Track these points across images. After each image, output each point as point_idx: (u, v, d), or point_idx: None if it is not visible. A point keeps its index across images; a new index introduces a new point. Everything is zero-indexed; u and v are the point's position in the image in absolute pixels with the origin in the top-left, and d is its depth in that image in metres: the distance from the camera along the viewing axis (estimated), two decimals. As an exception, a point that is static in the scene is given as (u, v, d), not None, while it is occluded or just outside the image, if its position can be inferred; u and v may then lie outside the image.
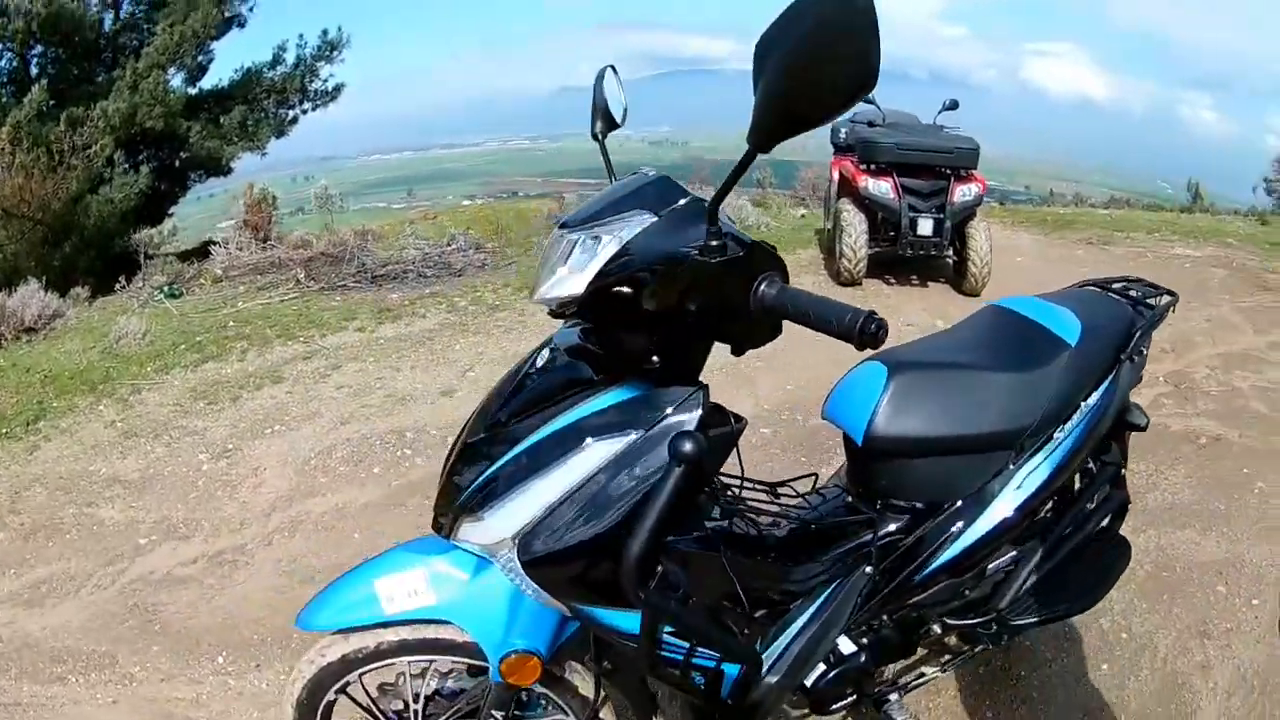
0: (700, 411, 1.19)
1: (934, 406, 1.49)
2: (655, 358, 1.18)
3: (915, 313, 4.76)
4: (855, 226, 4.94)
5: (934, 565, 1.54)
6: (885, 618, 1.59)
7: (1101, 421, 1.70)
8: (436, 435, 3.09)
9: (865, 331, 0.98)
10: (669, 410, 1.18)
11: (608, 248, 1.10)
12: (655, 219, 1.12)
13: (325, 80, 10.06)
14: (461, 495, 1.23)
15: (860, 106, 4.81)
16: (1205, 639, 2.29)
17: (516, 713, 1.42)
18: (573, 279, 1.10)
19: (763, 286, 1.07)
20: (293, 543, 2.50)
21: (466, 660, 1.38)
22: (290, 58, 9.76)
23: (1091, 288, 2.04)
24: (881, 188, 4.95)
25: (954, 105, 5.46)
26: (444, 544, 1.31)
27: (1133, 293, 1.97)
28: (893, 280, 5.23)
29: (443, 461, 1.32)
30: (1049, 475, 1.63)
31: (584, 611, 1.26)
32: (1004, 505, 1.58)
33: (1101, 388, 1.68)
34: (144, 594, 2.32)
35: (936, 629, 1.70)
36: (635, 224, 1.11)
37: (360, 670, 1.37)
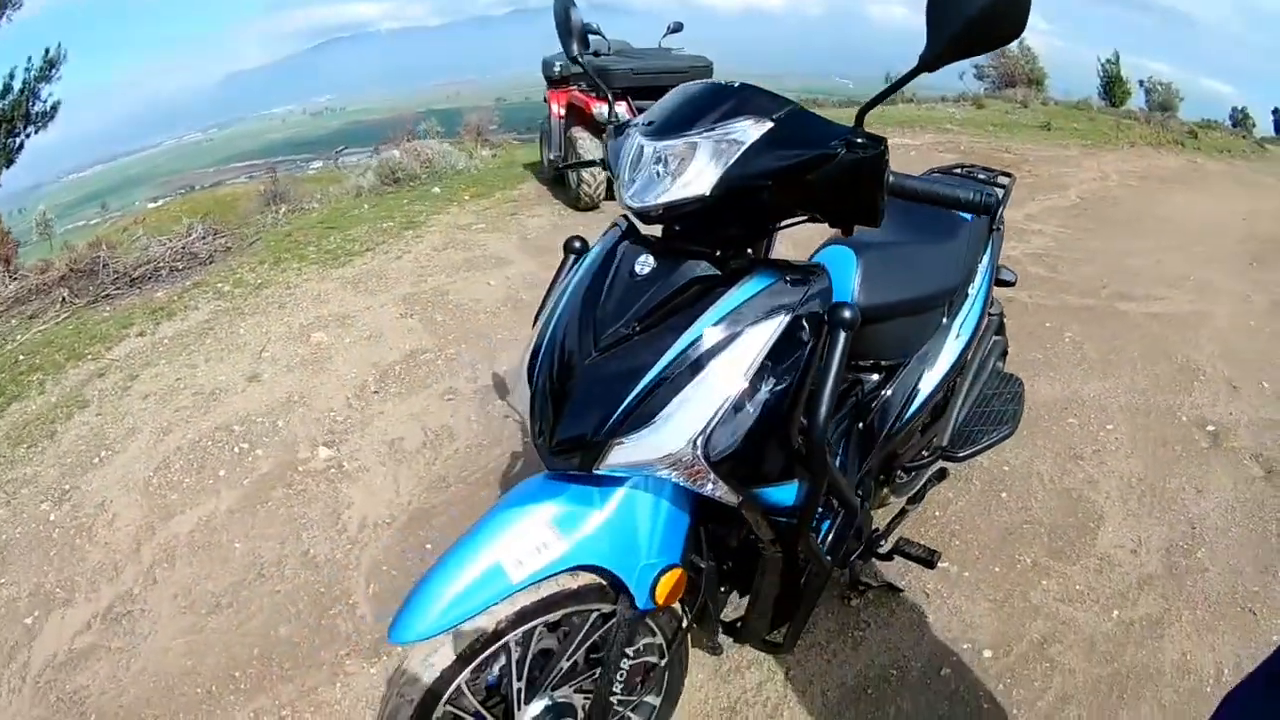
0: (830, 284, 1.32)
1: (893, 278, 1.76)
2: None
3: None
4: (593, 152, 5.14)
5: (908, 414, 1.85)
6: (869, 470, 1.83)
7: (992, 280, 2.15)
8: (264, 423, 3.13)
9: (985, 202, 1.24)
10: (809, 288, 1.28)
11: (730, 150, 1.18)
12: (771, 123, 1.21)
13: (45, 100, 9.69)
14: (609, 419, 1.19)
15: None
16: (1079, 460, 2.95)
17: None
18: (699, 181, 1.18)
19: (891, 177, 1.24)
20: (177, 573, 2.50)
21: (587, 607, 1.34)
22: (17, 84, 9.12)
23: (948, 174, 2.47)
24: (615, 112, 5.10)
25: (678, 27, 5.63)
26: (553, 486, 1.29)
27: (980, 176, 2.44)
28: None
29: (532, 403, 1.29)
30: (974, 325, 2.08)
31: (756, 495, 1.32)
32: (948, 354, 1.99)
33: (987, 253, 2.13)
34: (60, 683, 2.21)
35: (901, 475, 2.13)
36: (752, 128, 1.19)
37: (475, 663, 1.27)
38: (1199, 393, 3.59)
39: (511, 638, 1.27)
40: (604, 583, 1.32)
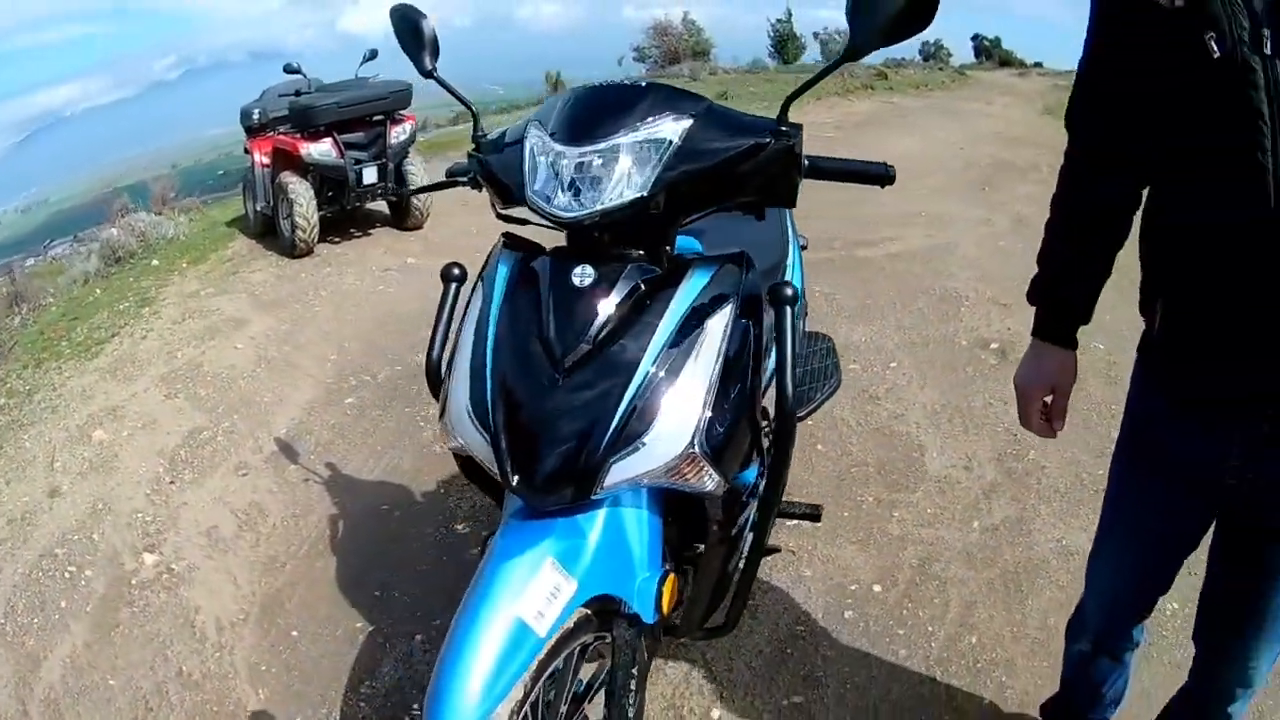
0: (756, 265, 1.34)
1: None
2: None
3: (378, 257, 5.25)
4: (304, 195, 5.02)
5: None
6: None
7: (799, 249, 2.30)
8: (80, 539, 2.77)
9: (889, 174, 1.35)
10: (742, 274, 1.29)
11: (658, 150, 1.19)
12: (691, 120, 1.21)
13: None
14: (601, 440, 1.13)
15: (274, 83, 5.56)
16: (877, 401, 3.16)
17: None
18: (633, 183, 1.18)
19: (806, 161, 1.29)
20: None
21: (581, 641, 1.25)
22: None
23: None
24: (323, 149, 5.07)
25: (373, 55, 5.61)
26: (539, 525, 1.19)
27: None
28: (338, 239, 5.48)
29: (496, 446, 1.17)
30: (802, 287, 2.22)
31: (737, 479, 1.30)
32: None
33: (790, 226, 2.28)
34: None
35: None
36: (676, 126, 1.20)
37: None
38: (970, 317, 4.00)
39: (538, 694, 1.17)
40: (589, 612, 1.23)
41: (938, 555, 2.46)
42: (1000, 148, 8.04)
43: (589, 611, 1.22)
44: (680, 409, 1.16)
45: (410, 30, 1.45)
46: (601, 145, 1.18)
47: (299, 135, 5.13)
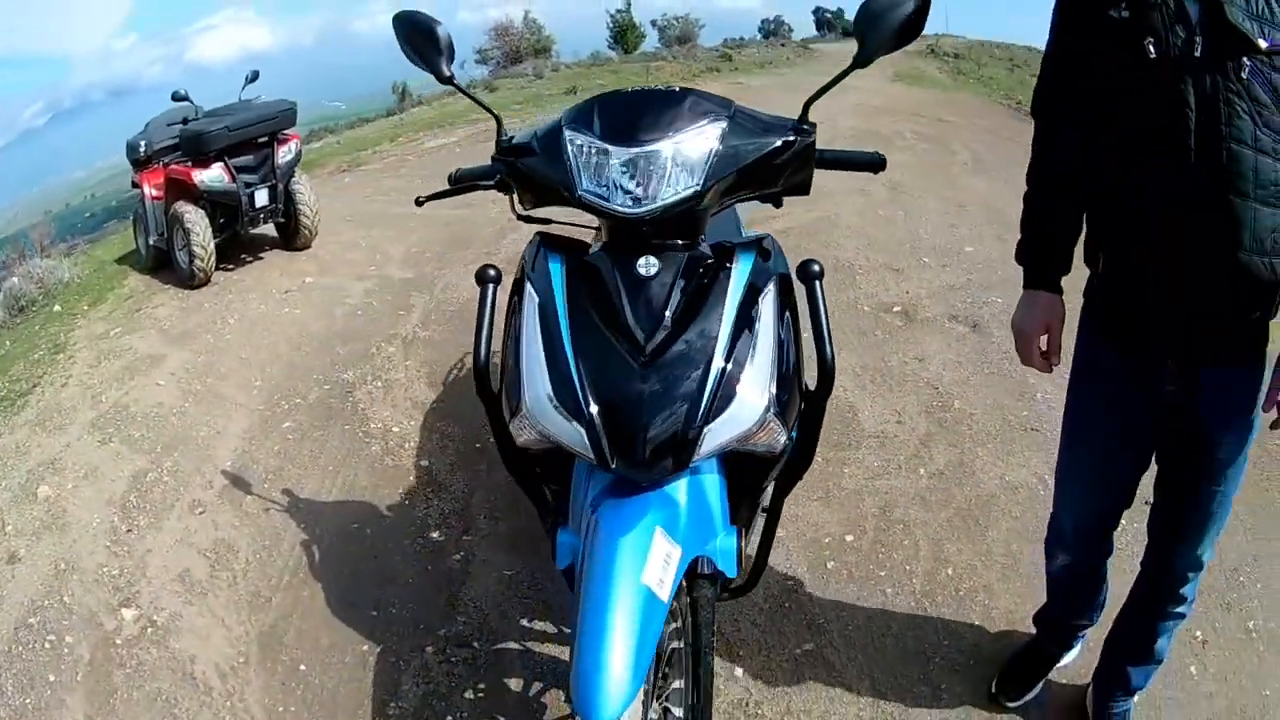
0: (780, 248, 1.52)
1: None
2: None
3: (276, 280, 5.14)
4: (199, 224, 4.92)
5: None
6: None
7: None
8: (52, 605, 2.62)
9: (881, 160, 1.56)
10: (774, 254, 1.48)
11: (713, 150, 1.34)
12: (728, 121, 1.37)
13: None
14: (697, 410, 1.25)
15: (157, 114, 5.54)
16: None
17: None
18: (687, 180, 1.33)
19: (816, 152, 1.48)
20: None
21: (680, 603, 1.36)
22: None
23: None
24: (215, 175, 4.97)
25: (255, 77, 5.53)
26: (637, 500, 1.30)
27: None
28: (231, 266, 5.36)
29: (592, 430, 1.25)
30: None
31: (791, 434, 1.42)
32: None
33: (737, 213, 2.35)
34: None
35: None
36: (716, 126, 1.36)
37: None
38: (866, 284, 4.30)
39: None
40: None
41: (895, 502, 2.72)
42: (861, 119, 8.51)
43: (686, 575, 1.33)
44: (755, 379, 1.30)
45: (424, 36, 1.47)
46: (650, 147, 1.30)
47: (189, 163, 4.99)
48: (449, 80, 1.49)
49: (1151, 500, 1.72)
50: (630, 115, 1.35)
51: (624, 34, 22.23)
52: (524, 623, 2.38)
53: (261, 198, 5.14)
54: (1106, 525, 1.84)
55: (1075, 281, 1.68)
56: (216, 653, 2.39)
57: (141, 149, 5.43)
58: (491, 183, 1.62)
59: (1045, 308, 1.68)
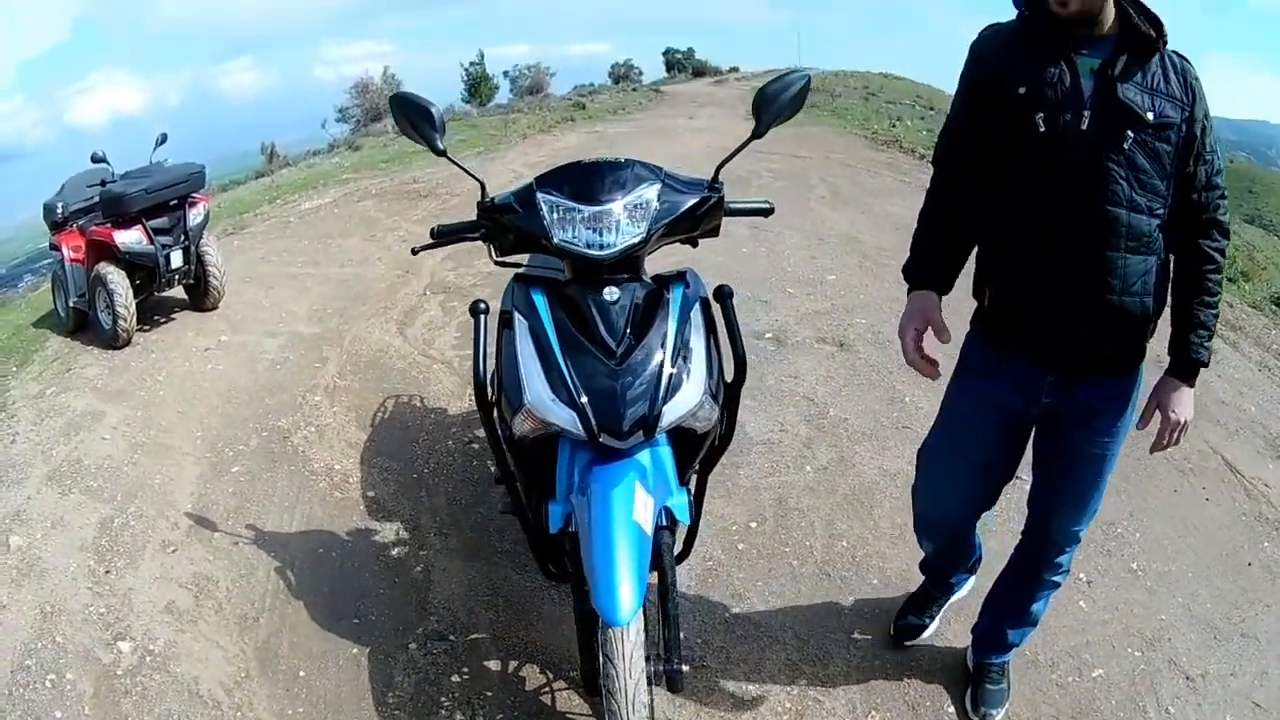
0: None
1: None
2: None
3: (192, 339, 5.30)
4: (121, 285, 5.01)
5: None
6: None
7: None
8: (46, 645, 2.75)
9: (770, 208, 2.10)
10: (697, 283, 1.96)
11: (652, 206, 1.79)
12: (661, 184, 1.82)
13: None
14: (657, 397, 1.68)
15: (72, 175, 5.59)
16: None
17: None
18: (636, 230, 1.77)
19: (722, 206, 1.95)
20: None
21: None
22: None
23: None
24: (135, 237, 5.08)
25: (164, 139, 5.61)
26: (617, 465, 1.72)
27: None
28: (146, 327, 5.48)
29: (583, 412, 1.65)
30: None
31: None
32: None
33: None
34: None
35: None
36: (653, 188, 1.81)
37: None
38: (738, 313, 4.72)
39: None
40: None
41: (788, 494, 3.29)
42: (716, 161, 8.94)
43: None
44: (695, 372, 1.78)
45: (420, 115, 1.83)
46: (607, 205, 1.75)
47: (109, 225, 5.02)
48: (442, 153, 1.86)
49: (1029, 477, 1.93)
50: (590, 181, 1.78)
51: (477, 86, 22.57)
52: (489, 616, 2.76)
53: (176, 259, 5.22)
54: (970, 520, 2.08)
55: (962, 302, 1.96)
56: (218, 671, 2.64)
57: (59, 211, 5.41)
58: (476, 235, 2.02)
59: (919, 303, 1.86)
